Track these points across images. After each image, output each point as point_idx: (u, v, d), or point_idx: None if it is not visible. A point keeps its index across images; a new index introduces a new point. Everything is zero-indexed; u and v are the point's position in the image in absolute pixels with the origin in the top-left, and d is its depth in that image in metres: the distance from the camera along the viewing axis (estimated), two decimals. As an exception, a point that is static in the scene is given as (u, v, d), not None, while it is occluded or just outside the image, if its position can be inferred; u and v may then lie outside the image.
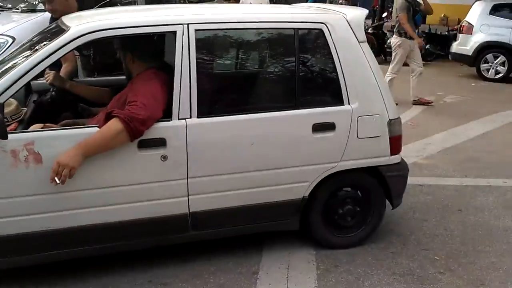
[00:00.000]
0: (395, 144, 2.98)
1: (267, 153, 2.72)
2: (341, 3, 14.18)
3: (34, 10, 5.65)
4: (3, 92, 2.33)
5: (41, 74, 2.67)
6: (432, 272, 2.85)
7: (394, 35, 7.04)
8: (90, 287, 2.62)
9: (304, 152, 2.79)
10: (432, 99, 7.15)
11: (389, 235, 3.25)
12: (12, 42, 4.96)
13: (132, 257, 2.82)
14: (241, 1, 8.75)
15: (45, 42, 2.56)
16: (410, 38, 6.75)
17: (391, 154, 2.97)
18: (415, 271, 2.86)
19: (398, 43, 6.84)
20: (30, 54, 2.52)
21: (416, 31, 7.15)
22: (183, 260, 2.87)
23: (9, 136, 2.28)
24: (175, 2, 6.76)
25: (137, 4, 5.15)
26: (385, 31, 11.61)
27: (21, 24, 5.29)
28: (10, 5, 5.89)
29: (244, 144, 2.67)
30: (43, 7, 4.96)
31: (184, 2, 7.98)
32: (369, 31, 11.44)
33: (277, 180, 2.77)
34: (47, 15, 4.16)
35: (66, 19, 2.78)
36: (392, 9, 17.13)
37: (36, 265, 2.61)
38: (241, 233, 2.90)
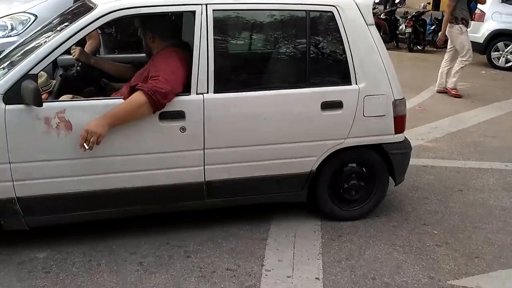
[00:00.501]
0: (399, 123, 3.14)
1: (278, 128, 2.88)
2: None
3: (55, -10, 5.83)
4: (36, 64, 2.53)
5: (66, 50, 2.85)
6: (430, 245, 3.03)
7: (449, 25, 6.63)
8: (113, 246, 2.84)
9: (313, 128, 2.95)
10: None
11: (392, 211, 3.43)
12: (35, 20, 5.16)
13: (150, 221, 3.04)
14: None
15: (73, 19, 2.74)
16: (466, 25, 6.51)
17: (395, 133, 3.13)
18: (413, 243, 3.04)
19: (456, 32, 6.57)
20: (60, 30, 2.70)
21: (467, 20, 6.74)
22: (198, 226, 3.07)
23: (43, 104, 2.47)
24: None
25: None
26: (398, 17, 11.62)
27: (43, 2, 5.47)
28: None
29: (257, 119, 2.84)
30: (64, -13, 5.13)
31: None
32: (381, 16, 11.47)
33: (287, 154, 2.94)
34: (68, -6, 4.34)
35: (93, -2, 2.95)
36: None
37: (61, 226, 2.82)
38: (252, 202, 3.09)
